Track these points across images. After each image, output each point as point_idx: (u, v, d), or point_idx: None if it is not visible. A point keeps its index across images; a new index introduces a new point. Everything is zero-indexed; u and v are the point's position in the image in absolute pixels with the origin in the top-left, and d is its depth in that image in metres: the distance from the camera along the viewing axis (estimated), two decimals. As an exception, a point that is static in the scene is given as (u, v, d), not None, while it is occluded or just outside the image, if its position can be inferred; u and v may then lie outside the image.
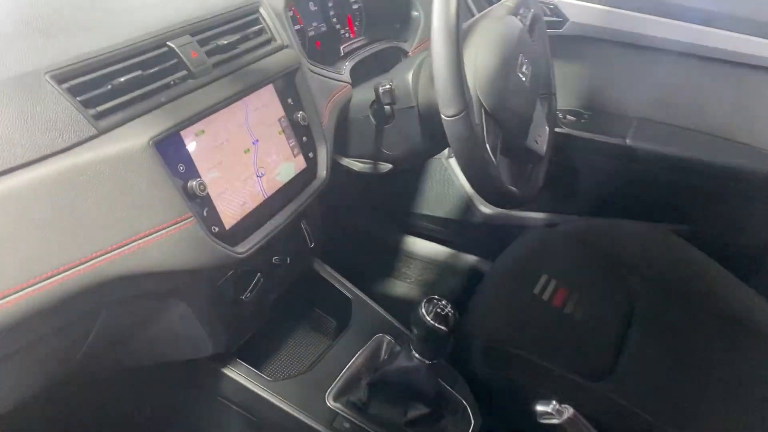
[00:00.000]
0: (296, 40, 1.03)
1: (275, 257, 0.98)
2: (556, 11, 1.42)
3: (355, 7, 1.32)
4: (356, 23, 1.32)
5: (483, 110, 0.97)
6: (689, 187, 1.43)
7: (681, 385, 1.06)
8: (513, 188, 1.07)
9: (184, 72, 0.81)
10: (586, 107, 1.53)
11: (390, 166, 1.16)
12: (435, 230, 1.79)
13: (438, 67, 0.86)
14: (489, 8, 1.13)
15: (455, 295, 1.71)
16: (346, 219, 1.72)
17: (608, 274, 1.27)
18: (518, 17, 1.13)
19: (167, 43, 0.80)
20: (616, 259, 1.29)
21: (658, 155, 1.40)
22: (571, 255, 1.30)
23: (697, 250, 1.30)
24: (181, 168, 0.75)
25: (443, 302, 0.89)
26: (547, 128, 1.21)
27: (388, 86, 1.04)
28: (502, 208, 1.28)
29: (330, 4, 1.26)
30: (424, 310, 0.87)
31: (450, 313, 0.87)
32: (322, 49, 1.22)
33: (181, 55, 0.80)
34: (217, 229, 0.79)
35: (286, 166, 0.93)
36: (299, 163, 0.96)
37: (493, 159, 0.97)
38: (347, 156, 1.19)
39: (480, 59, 0.98)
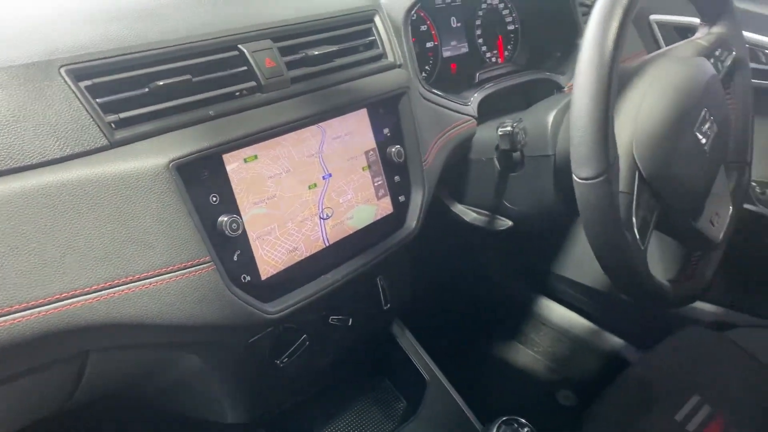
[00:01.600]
0: (413, 59, 0.85)
1: (333, 317, 0.81)
2: (773, 57, 1.10)
3: (510, 27, 1.12)
4: (508, 47, 1.12)
5: (638, 175, 0.73)
6: None
7: None
8: (664, 283, 0.81)
9: (252, 83, 0.67)
10: (797, 183, 1.18)
11: (510, 223, 0.94)
12: (576, 298, 1.51)
13: (576, 113, 0.65)
14: (674, 45, 0.87)
15: (589, 380, 1.43)
16: (457, 271, 1.50)
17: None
18: (712, 60, 0.86)
19: (238, 45, 0.67)
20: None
21: None
22: (738, 374, 0.99)
23: None
24: (214, 199, 0.61)
25: (525, 430, 0.66)
26: (730, 207, 0.92)
27: (509, 128, 0.83)
28: (645, 306, 1.01)
29: (478, 22, 1.07)
30: (495, 435, 0.65)
31: (531, 449, 0.65)
32: (457, 74, 1.04)
33: (252, 61, 0.67)
34: (248, 278, 0.64)
35: (363, 209, 0.76)
36: (383, 207, 0.79)
37: (639, 241, 0.72)
38: (461, 202, 0.99)
39: (646, 109, 0.74)
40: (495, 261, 1.52)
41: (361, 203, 0.76)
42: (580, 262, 1.42)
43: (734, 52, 0.90)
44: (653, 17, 1.20)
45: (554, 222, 0.93)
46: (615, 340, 1.45)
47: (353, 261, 0.74)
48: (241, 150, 0.63)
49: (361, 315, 0.85)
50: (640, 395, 0.94)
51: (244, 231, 0.63)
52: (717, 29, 0.89)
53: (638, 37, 1.24)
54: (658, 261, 0.92)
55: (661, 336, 1.07)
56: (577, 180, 0.67)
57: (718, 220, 0.89)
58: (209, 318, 0.59)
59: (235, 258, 0.63)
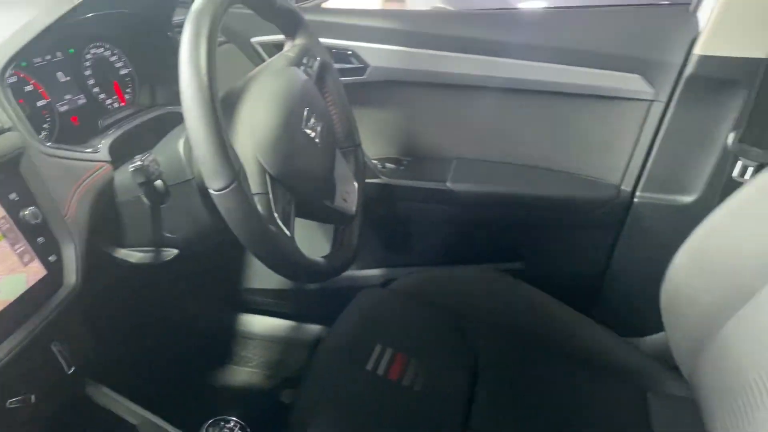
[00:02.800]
0: (23, 120, 0.83)
1: (12, 400, 0.76)
2: (356, 57, 1.32)
3: (124, 72, 1.15)
4: (127, 91, 1.15)
5: (268, 176, 0.83)
6: (517, 223, 1.38)
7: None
8: (318, 259, 0.94)
9: None
10: (405, 153, 1.44)
11: (176, 251, 0.98)
12: (270, 304, 1.62)
13: (193, 133, 0.72)
14: (268, 60, 1.01)
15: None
16: (149, 312, 1.48)
17: (446, 329, 1.16)
18: (302, 68, 1.01)
19: None
20: (452, 311, 1.19)
21: (481, 194, 1.34)
22: (405, 315, 1.19)
23: (532, 287, 1.23)
24: None
25: (230, 424, 0.72)
26: (355, 184, 1.10)
27: (138, 163, 0.87)
28: (313, 282, 1.15)
29: (88, 73, 1.07)
30: (204, 439, 0.70)
31: (239, 438, 0.70)
32: (81, 125, 1.04)
33: None
34: None
35: (11, 279, 0.73)
36: (34, 272, 0.76)
37: (286, 230, 0.83)
38: (124, 246, 1.00)
39: (258, 119, 0.85)
40: (181, 293, 1.54)
41: (7, 274, 0.72)
42: (260, 269, 1.52)
43: (319, 58, 1.07)
44: (254, 39, 1.34)
45: (215, 238, 0.99)
46: (314, 328, 1.60)
47: (15, 335, 0.71)
48: None
49: (45, 388, 0.80)
50: (335, 360, 1.07)
51: None
52: (299, 41, 1.05)
53: (248, 59, 1.37)
54: (311, 242, 1.05)
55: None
56: (214, 193, 0.74)
57: (348, 196, 1.06)
58: None
59: None
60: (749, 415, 0.86)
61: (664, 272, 1.05)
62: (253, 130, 0.84)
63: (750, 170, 1.14)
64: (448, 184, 1.34)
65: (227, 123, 0.84)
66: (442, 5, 1.93)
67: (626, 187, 1.31)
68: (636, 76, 1.21)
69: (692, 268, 1.03)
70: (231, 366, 1.61)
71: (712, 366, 1.00)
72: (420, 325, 1.17)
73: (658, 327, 1.14)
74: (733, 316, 0.97)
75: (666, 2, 1.28)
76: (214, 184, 0.73)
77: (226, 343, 1.60)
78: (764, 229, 0.93)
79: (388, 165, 1.42)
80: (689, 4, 1.20)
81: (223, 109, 0.85)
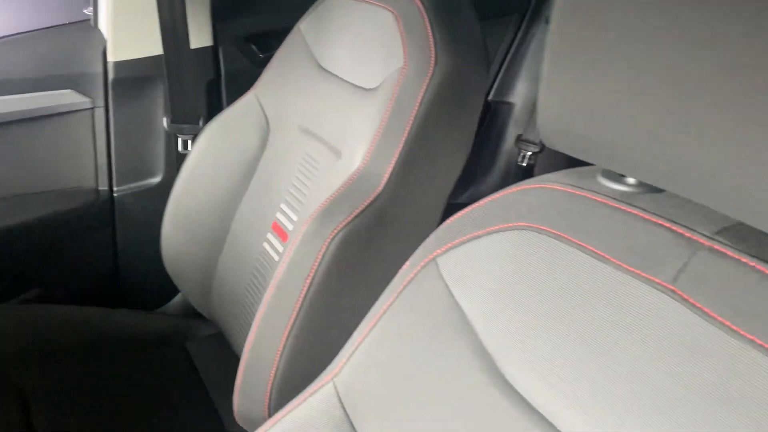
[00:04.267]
0: None
1: None
2: None
3: None
4: None
5: None
6: (18, 254, 1.39)
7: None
8: None
9: None
10: None
11: None
12: None
13: None
14: None
15: None
16: None
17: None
18: None
19: None
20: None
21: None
22: None
23: (55, 306, 1.30)
24: None
25: None
26: None
27: None
28: None
29: None
30: None
31: None
32: None
33: None
34: None
35: None
36: None
37: None
38: None
39: None
40: None
41: None
42: None
43: None
44: None
45: None
46: None
47: None
48: None
49: None
50: None
51: None
52: None
53: None
54: None
55: None
56: None
57: None
58: None
59: None
60: (244, 322, 1.15)
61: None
62: None
63: (190, 143, 1.41)
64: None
65: None
66: None
67: (103, 186, 1.45)
68: (68, 91, 1.34)
69: (178, 233, 1.26)
70: None
71: (218, 299, 1.27)
72: None
73: (176, 289, 1.36)
74: (221, 254, 1.25)
75: (69, 21, 1.42)
76: None
77: None
78: (211, 182, 1.21)
79: None
80: (89, 19, 1.37)
81: None
